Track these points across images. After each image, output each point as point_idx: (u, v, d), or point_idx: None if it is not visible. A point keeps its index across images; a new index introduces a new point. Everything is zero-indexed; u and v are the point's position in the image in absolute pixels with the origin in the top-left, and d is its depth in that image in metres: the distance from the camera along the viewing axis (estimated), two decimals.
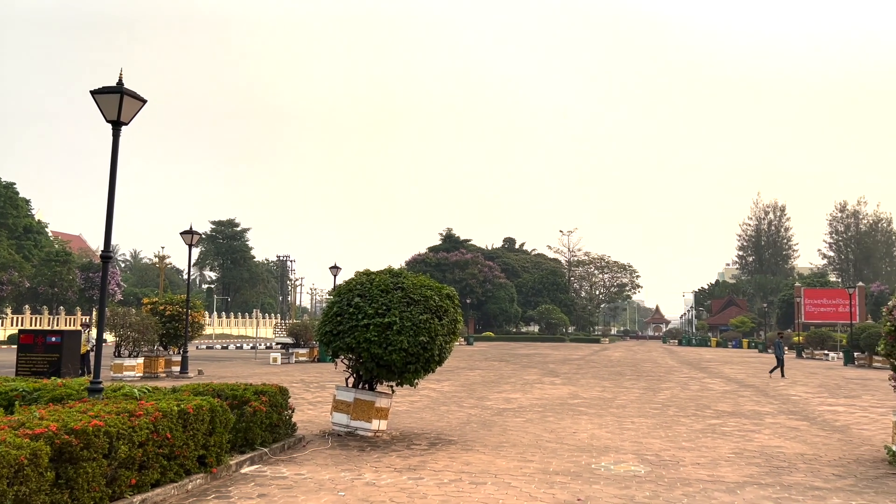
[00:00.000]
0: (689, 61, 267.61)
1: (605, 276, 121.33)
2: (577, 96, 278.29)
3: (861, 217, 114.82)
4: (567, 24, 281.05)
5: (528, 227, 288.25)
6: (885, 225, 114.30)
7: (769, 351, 50.84)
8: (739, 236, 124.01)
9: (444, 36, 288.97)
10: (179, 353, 26.44)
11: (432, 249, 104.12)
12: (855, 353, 42.12)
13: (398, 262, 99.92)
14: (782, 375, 28.66)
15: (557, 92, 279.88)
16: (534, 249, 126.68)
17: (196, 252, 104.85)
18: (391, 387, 12.28)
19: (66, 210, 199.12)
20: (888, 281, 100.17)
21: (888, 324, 10.45)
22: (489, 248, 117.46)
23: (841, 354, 46.05)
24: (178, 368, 25.59)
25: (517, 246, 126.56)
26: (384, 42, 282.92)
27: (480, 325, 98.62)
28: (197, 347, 52.85)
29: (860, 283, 79.06)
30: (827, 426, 14.43)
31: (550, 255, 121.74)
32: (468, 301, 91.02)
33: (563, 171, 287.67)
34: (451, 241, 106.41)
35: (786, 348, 51.78)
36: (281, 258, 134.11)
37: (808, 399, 20.08)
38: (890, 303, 10.62)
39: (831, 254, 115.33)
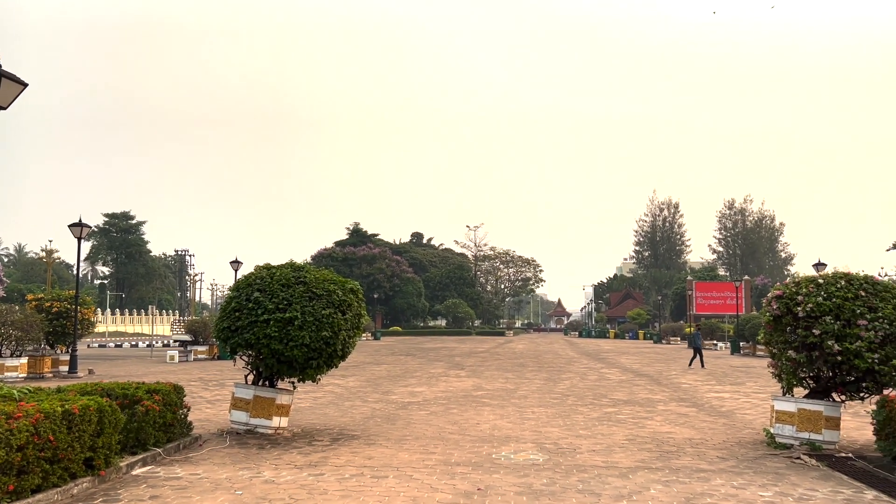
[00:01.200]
0: (593, 55, 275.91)
1: (510, 270, 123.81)
2: (482, 92, 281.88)
3: (747, 214, 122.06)
4: (469, 17, 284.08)
5: (435, 221, 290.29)
6: (768, 222, 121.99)
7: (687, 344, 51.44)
8: (636, 232, 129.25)
9: (348, 31, 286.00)
10: (68, 351, 25.11)
11: (339, 244, 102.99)
12: (741, 343, 44.61)
13: (304, 257, 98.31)
14: (690, 365, 29.95)
15: (463, 88, 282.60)
16: (441, 244, 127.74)
17: (87, 246, 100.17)
18: (293, 383, 12.08)
19: None
20: (771, 274, 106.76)
21: (767, 314, 11.13)
22: (397, 242, 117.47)
23: (728, 344, 48.69)
24: (66, 368, 24.27)
25: (425, 241, 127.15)
26: (288, 36, 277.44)
27: (388, 320, 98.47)
28: (88, 346, 50.31)
29: (746, 277, 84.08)
30: (713, 412, 15.25)
31: (457, 249, 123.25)
32: (375, 296, 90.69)
33: (471, 167, 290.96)
34: (358, 236, 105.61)
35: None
36: (179, 252, 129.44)
37: (697, 386, 21.15)
38: (769, 294, 11.30)
39: (720, 249, 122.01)
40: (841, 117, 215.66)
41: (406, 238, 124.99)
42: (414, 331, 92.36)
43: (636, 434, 12.00)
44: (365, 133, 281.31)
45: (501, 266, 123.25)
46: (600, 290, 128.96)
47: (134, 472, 8.56)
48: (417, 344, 57.14)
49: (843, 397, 10.71)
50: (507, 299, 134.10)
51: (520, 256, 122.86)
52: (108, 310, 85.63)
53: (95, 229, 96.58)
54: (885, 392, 10.31)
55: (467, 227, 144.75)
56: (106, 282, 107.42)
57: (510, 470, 8.95)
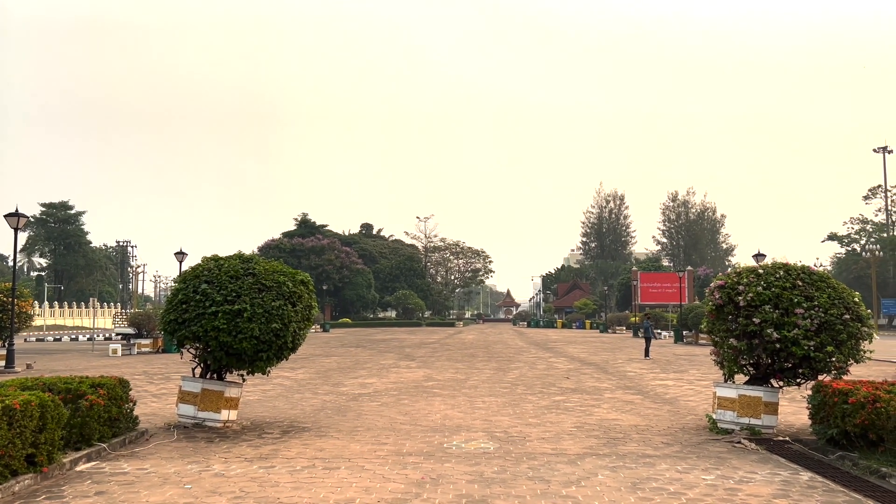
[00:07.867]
0: (542, 45, 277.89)
1: (460, 261, 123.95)
2: (431, 83, 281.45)
3: (690, 206, 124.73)
4: (419, 8, 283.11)
5: (386, 212, 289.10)
6: (710, 214, 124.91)
7: (640, 335, 49.18)
8: (583, 223, 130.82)
9: (296, 23, 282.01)
10: (5, 346, 24.27)
11: (287, 235, 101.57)
12: (684, 332, 45.59)
13: (251, 249, 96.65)
14: (646, 355, 29.31)
15: (412, 78, 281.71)
16: (391, 235, 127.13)
17: (23, 237, 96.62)
18: (242, 376, 11.94)
19: None
20: (713, 265, 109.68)
21: (709, 304, 11.47)
22: (346, 233, 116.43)
23: (672, 333, 49.76)
24: (2, 363, 23.47)
25: (375, 232, 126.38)
26: (237, 29, 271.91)
27: (337, 312, 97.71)
28: (26, 340, 48.62)
29: (689, 267, 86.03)
30: (658, 399, 15.64)
31: (408, 241, 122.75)
32: (325, 287, 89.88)
33: (421, 158, 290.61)
34: (306, 227, 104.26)
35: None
36: (121, 244, 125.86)
37: (642, 374, 21.64)
38: (712, 284, 11.64)
39: (664, 240, 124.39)
40: (779, 110, 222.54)
41: (356, 229, 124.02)
42: (364, 322, 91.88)
43: (584, 422, 12.24)
44: (313, 123, 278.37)
45: (451, 257, 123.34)
46: (548, 281, 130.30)
47: (78, 468, 8.36)
48: (367, 335, 56.95)
49: (781, 383, 11.11)
50: (456, 290, 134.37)
51: (469, 248, 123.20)
52: (46, 302, 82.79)
53: (32, 220, 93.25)
54: (820, 378, 10.73)
55: (417, 218, 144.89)
56: (43, 274, 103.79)
57: (461, 459, 9.04)
